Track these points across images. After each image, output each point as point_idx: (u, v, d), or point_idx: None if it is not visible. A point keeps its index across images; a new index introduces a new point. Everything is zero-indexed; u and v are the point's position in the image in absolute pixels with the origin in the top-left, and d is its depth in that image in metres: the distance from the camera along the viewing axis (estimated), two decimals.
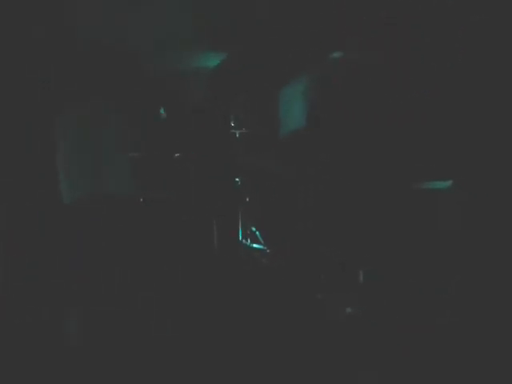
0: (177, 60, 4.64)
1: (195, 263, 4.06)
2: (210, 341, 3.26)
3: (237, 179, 4.26)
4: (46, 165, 3.88)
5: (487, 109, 3.22)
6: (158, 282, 3.87)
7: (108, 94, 4.05)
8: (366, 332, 3.23)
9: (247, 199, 4.26)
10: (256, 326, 3.43)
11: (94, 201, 3.84)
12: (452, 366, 2.76)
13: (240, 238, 4.17)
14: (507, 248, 3.06)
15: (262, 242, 4.25)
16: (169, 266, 4.00)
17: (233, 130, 4.30)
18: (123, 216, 4.04)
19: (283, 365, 2.98)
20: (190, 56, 4.66)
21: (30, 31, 3.95)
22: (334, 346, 3.14)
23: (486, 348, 2.84)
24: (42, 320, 3.46)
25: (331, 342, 3.17)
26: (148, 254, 4.05)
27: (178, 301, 3.73)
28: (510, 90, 3.20)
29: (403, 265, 3.26)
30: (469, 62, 3.22)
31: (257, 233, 4.28)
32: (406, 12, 3.34)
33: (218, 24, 4.34)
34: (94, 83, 4.01)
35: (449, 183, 3.16)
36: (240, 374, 2.92)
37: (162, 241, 4.10)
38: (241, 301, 3.73)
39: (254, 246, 4.23)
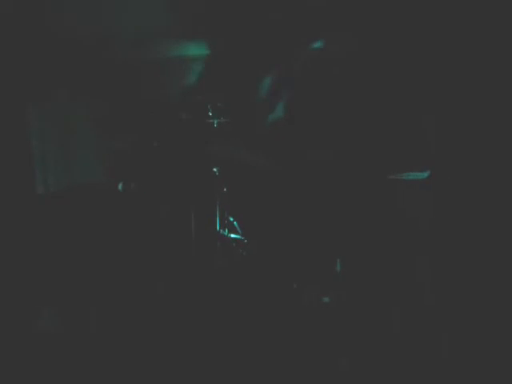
0: (153, 49, 4.58)
1: (172, 252, 4.04)
2: (189, 328, 3.26)
3: (214, 169, 4.24)
4: (19, 155, 3.81)
5: (465, 98, 3.27)
6: (135, 271, 3.85)
7: (82, 82, 3.99)
8: (343, 321, 3.27)
9: (225, 189, 4.24)
10: (233, 314, 3.45)
11: (70, 191, 3.80)
12: (429, 353, 2.81)
13: (217, 228, 4.16)
14: (485, 238, 3.13)
15: (240, 231, 4.25)
16: (146, 254, 3.98)
17: (211, 120, 4.27)
18: (100, 206, 4.01)
19: (260, 353, 3.00)
20: (167, 45, 4.60)
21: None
22: (310, 335, 3.17)
23: (461, 330, 2.90)
24: (18, 313, 3.42)
25: (308, 332, 3.20)
26: (125, 243, 4.02)
27: (154, 289, 3.72)
28: (488, 78, 3.25)
29: (380, 254, 3.29)
30: (446, 53, 3.26)
31: (234, 223, 4.28)
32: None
33: (197, 12, 4.30)
34: (67, 72, 3.95)
35: (426, 174, 3.20)
36: (216, 360, 2.93)
37: (139, 230, 4.07)
38: (218, 290, 3.73)
39: (232, 235, 4.22)
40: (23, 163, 3.74)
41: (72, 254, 3.76)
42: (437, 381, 2.71)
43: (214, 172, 4.23)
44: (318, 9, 3.77)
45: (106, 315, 3.43)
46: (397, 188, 3.19)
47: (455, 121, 3.33)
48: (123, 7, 4.07)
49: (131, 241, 4.03)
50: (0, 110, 3.79)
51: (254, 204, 4.26)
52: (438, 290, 3.11)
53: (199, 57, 4.54)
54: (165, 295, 3.66)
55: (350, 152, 3.46)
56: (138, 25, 4.30)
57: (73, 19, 3.93)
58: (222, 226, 4.21)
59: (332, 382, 2.80)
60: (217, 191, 4.21)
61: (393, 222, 3.18)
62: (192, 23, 4.42)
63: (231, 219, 4.29)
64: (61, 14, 3.94)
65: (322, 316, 3.38)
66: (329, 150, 3.75)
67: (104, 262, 3.86)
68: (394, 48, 3.33)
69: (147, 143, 4.24)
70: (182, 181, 4.21)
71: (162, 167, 4.25)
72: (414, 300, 3.08)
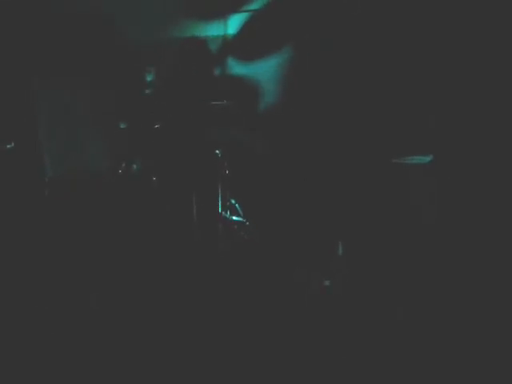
0: (154, 30, 4.55)
1: (174, 235, 4.05)
2: (189, 312, 3.27)
3: (217, 151, 4.22)
4: (28, 139, 3.82)
5: (467, 84, 3.24)
6: (138, 254, 3.86)
7: (86, 66, 3.98)
8: (344, 304, 3.27)
9: (227, 172, 4.23)
10: (234, 297, 3.45)
11: (77, 174, 3.81)
12: (425, 340, 2.82)
13: (219, 210, 4.16)
14: (486, 223, 3.13)
15: (242, 214, 4.25)
16: (148, 238, 3.98)
17: (213, 102, 4.25)
18: (104, 188, 4.01)
19: (261, 337, 3.01)
20: (167, 26, 4.57)
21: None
22: (312, 318, 3.18)
23: (454, 321, 2.91)
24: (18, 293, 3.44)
25: (309, 315, 3.21)
26: (128, 226, 4.03)
27: (156, 272, 3.73)
28: (487, 67, 3.22)
29: (382, 238, 3.30)
30: (448, 38, 3.23)
31: (236, 205, 4.28)
32: None
33: None
34: (71, 56, 3.93)
35: (429, 158, 3.19)
36: (214, 346, 2.94)
37: (141, 213, 4.08)
38: (220, 273, 3.74)
39: (234, 218, 4.22)
40: (32, 147, 3.77)
41: (77, 237, 3.77)
42: (440, 372, 2.71)
43: (217, 154, 4.22)
44: None
45: (109, 297, 3.44)
46: (400, 172, 3.18)
47: (458, 105, 3.30)
48: None
49: (133, 223, 4.04)
50: (9, 94, 3.82)
51: (256, 186, 4.26)
52: (441, 273, 3.12)
53: (199, 39, 4.51)
54: (166, 276, 3.67)
55: (353, 136, 3.45)
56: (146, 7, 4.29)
57: None
58: (224, 208, 4.21)
59: (334, 364, 2.82)
60: (219, 173, 4.20)
61: (396, 206, 3.18)
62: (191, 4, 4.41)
63: (233, 201, 4.29)
64: None
65: (324, 299, 3.39)
66: (331, 133, 3.74)
67: (107, 243, 3.88)
68: (397, 33, 3.30)
69: (149, 125, 4.23)
70: (183, 163, 4.20)
71: (164, 149, 4.24)
72: (416, 283, 3.09)
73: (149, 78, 4.24)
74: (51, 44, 3.87)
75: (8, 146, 3.76)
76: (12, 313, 3.22)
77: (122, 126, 4.16)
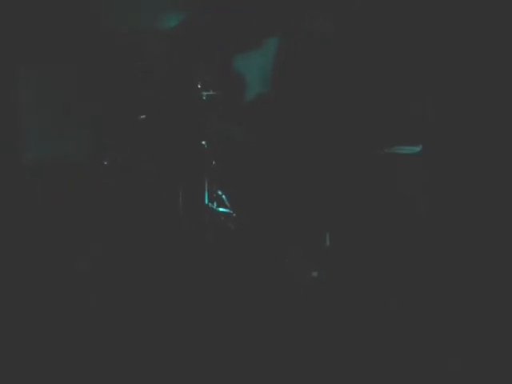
0: (138, 20, 4.49)
1: (160, 226, 4.00)
2: (178, 305, 3.24)
3: (203, 142, 4.19)
4: (6, 125, 3.75)
5: (457, 73, 3.25)
6: (123, 246, 3.81)
7: (69, 54, 3.92)
8: (332, 296, 3.27)
9: (213, 162, 4.20)
10: (222, 289, 3.43)
11: (56, 162, 3.75)
12: (419, 332, 2.82)
13: (206, 202, 4.12)
14: (476, 214, 3.14)
15: (228, 205, 4.22)
16: (134, 229, 3.93)
17: (200, 92, 4.21)
18: (85, 178, 3.95)
19: (249, 329, 2.99)
20: (151, 16, 4.52)
21: None
22: (300, 310, 3.17)
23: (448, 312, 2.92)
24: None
25: (297, 306, 3.20)
26: (111, 217, 3.97)
27: (142, 265, 3.68)
28: (477, 55, 3.23)
29: (370, 229, 3.29)
30: (435, 28, 3.23)
31: (223, 196, 4.25)
32: None
33: None
34: (54, 44, 3.87)
35: (418, 148, 3.19)
36: (204, 341, 2.91)
37: (126, 203, 4.03)
38: (206, 265, 3.71)
39: (220, 209, 4.19)
40: (11, 133, 3.70)
41: (59, 224, 3.71)
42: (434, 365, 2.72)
43: (203, 145, 4.18)
44: None
45: (91, 289, 3.40)
46: (389, 162, 3.17)
47: (448, 94, 3.31)
48: None
49: (119, 215, 3.98)
50: None
51: (243, 178, 4.23)
52: (433, 264, 3.13)
53: (185, 29, 4.46)
54: (153, 269, 3.63)
55: (341, 126, 3.44)
56: None
57: None
58: (211, 200, 4.18)
59: (324, 358, 2.81)
60: (205, 164, 4.17)
61: (385, 197, 3.18)
62: None
63: (220, 193, 4.26)
64: None
65: (312, 290, 3.38)
66: (319, 124, 3.72)
67: (90, 233, 3.82)
68: (385, 24, 3.29)
69: (135, 116, 4.18)
70: (169, 154, 4.15)
71: (150, 140, 4.18)
72: (406, 276, 3.09)
73: (136, 69, 4.19)
74: (37, 30, 3.80)
75: None
76: None
77: (105, 115, 4.11)
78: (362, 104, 3.30)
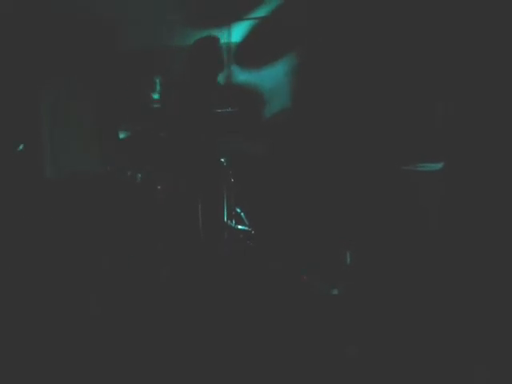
0: (154, 37, 4.55)
1: (179, 244, 4.00)
2: (193, 319, 3.24)
3: (222, 159, 4.19)
4: (30, 139, 3.80)
5: (478, 90, 3.22)
6: (141, 262, 3.82)
7: (92, 69, 3.97)
8: (352, 313, 3.24)
9: (232, 180, 4.20)
10: (240, 307, 3.42)
11: (78, 177, 3.78)
12: (434, 346, 2.79)
13: (225, 219, 4.11)
14: (496, 229, 3.10)
15: (247, 223, 4.21)
16: (153, 245, 3.94)
17: (218, 110, 4.22)
18: (107, 193, 3.98)
19: (267, 346, 2.98)
20: (168, 33, 4.58)
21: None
22: (319, 327, 3.15)
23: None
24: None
25: (317, 324, 3.18)
26: (131, 233, 3.99)
27: (162, 281, 3.69)
28: (496, 69, 3.20)
29: (391, 247, 3.26)
30: (451, 43, 3.22)
31: (242, 214, 4.24)
32: None
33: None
34: (77, 58, 3.92)
35: (439, 165, 3.16)
36: (221, 353, 2.91)
37: (146, 220, 4.03)
38: (225, 282, 3.70)
39: (239, 227, 4.18)
40: (34, 148, 3.75)
41: (79, 237, 3.73)
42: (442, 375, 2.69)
43: (222, 162, 4.18)
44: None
45: (110, 301, 3.41)
46: (410, 179, 3.15)
47: (469, 113, 3.28)
48: None
49: (138, 231, 3.99)
50: (12, 94, 3.80)
51: (261, 195, 4.22)
52: (452, 282, 3.09)
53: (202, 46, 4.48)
54: (170, 284, 3.63)
55: (362, 143, 3.42)
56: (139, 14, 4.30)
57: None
58: (230, 217, 4.17)
59: (339, 370, 2.78)
60: (224, 182, 4.17)
61: (406, 214, 3.15)
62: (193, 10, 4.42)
63: (238, 210, 4.25)
64: None
65: (331, 308, 3.36)
66: (340, 141, 3.71)
67: (109, 249, 3.83)
68: (405, 38, 3.28)
69: (154, 134, 4.20)
70: (189, 171, 4.16)
71: (169, 158, 4.20)
72: (422, 293, 3.05)
73: (155, 86, 4.22)
74: (58, 46, 3.85)
75: (20, 148, 3.76)
76: (9, 313, 3.19)
77: (123, 135, 4.15)
78: (385, 122, 3.28)
